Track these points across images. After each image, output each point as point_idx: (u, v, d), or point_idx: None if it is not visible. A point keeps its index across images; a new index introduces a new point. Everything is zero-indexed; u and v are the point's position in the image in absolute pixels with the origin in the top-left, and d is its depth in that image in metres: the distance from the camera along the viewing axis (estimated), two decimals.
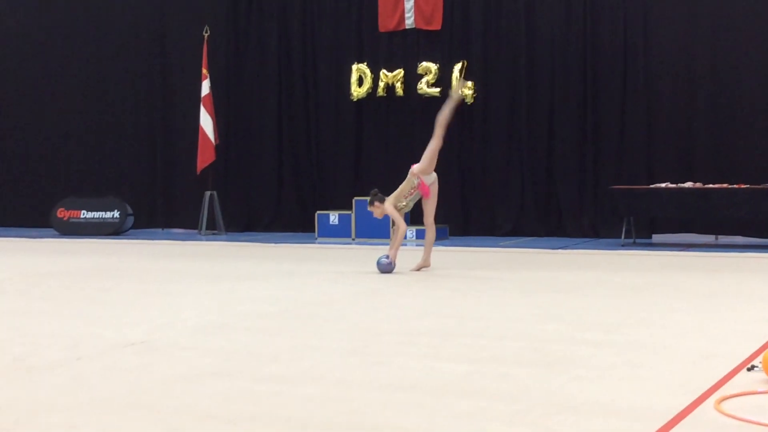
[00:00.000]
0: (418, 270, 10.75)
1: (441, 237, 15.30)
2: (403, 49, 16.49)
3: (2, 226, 18.87)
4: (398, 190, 10.83)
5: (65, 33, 18.79)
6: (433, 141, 10.63)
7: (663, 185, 13.99)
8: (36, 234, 17.23)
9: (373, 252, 13.63)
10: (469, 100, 15.88)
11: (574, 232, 15.48)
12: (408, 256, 11.58)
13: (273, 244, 14.93)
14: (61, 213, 17.51)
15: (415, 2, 16.23)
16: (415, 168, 10.72)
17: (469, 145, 16.13)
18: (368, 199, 10.85)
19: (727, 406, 4.49)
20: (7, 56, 19.21)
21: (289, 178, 17.28)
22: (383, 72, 16.35)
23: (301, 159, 17.27)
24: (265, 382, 5.13)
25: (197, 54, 17.06)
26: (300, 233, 16.79)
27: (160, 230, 18.04)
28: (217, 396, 4.83)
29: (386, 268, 10.48)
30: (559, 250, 13.49)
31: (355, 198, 15.60)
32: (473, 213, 16.22)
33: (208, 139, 16.72)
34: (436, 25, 16.22)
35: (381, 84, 16.33)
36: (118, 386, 5.07)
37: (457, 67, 15.91)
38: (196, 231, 17.09)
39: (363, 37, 16.79)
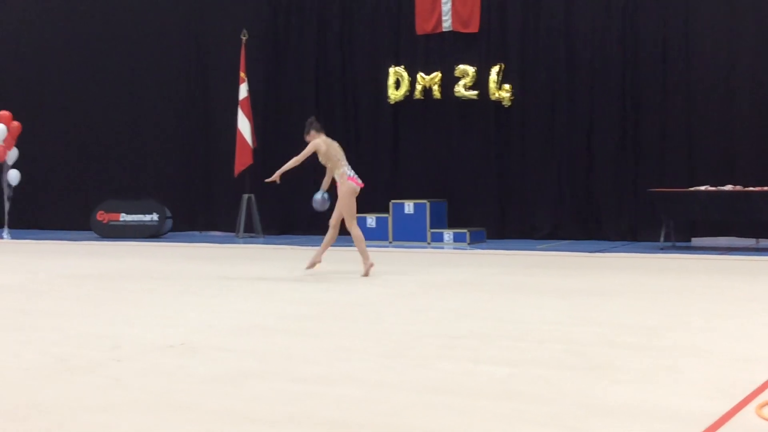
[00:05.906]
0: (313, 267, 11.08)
1: (478, 240, 15.28)
2: (440, 51, 16.45)
3: (43, 228, 19.06)
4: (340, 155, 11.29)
5: (105, 37, 18.95)
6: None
7: (703, 188, 13.84)
8: (76, 237, 17.39)
9: (409, 255, 13.65)
10: (507, 103, 15.83)
11: (612, 235, 15.36)
12: (441, 258, 11.58)
13: (310, 247, 14.94)
14: (101, 216, 17.66)
15: (453, 5, 16.18)
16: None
17: (507, 147, 16.06)
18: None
19: None
20: (48, 61, 19.42)
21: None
22: (420, 75, 16.32)
23: None
24: (303, 384, 5.15)
25: (235, 58, 17.14)
26: (338, 236, 16.75)
27: (198, 233, 18.13)
28: (255, 397, 4.85)
29: (320, 205, 11.27)
30: (597, 254, 13.41)
31: (392, 201, 15.59)
32: (511, 216, 16.13)
33: (246, 142, 16.77)
34: (474, 28, 16.16)
35: (418, 87, 16.30)
36: (157, 387, 5.11)
37: (495, 69, 15.85)
38: (233, 234, 17.16)
39: (400, 40, 16.78)
